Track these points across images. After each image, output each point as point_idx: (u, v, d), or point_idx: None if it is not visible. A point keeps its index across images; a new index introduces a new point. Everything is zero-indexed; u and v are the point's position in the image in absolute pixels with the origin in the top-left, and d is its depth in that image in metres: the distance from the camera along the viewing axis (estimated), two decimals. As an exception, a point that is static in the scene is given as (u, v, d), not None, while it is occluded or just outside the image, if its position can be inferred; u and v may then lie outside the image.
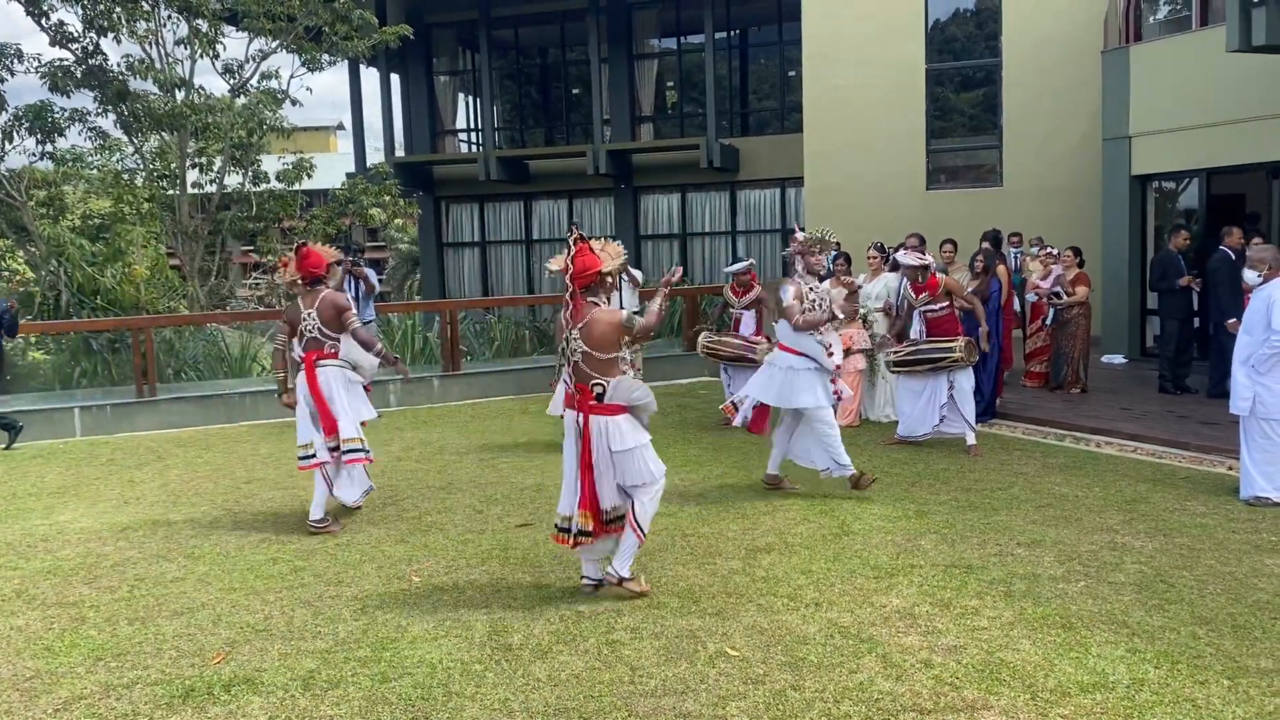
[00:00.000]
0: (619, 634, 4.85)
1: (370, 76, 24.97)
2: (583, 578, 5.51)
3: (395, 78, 24.55)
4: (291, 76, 18.38)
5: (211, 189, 18.04)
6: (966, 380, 8.87)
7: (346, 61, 20.62)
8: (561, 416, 5.64)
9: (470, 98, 25.89)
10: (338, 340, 7.03)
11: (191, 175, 17.79)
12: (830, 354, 7.26)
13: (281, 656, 4.70)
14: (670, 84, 24.79)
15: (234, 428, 11.18)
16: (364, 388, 7.33)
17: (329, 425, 6.93)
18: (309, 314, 6.97)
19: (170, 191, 17.76)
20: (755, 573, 5.70)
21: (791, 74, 22.20)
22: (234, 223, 18.47)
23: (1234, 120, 12.47)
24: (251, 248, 22.74)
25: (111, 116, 17.08)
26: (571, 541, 5.35)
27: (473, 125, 25.97)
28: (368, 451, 7.10)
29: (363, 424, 7.14)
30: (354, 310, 7.13)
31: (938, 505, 7.07)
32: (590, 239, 5.37)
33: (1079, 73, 15.90)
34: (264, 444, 10.20)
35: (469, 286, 24.85)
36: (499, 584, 5.63)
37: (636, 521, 5.33)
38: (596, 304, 5.32)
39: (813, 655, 4.55)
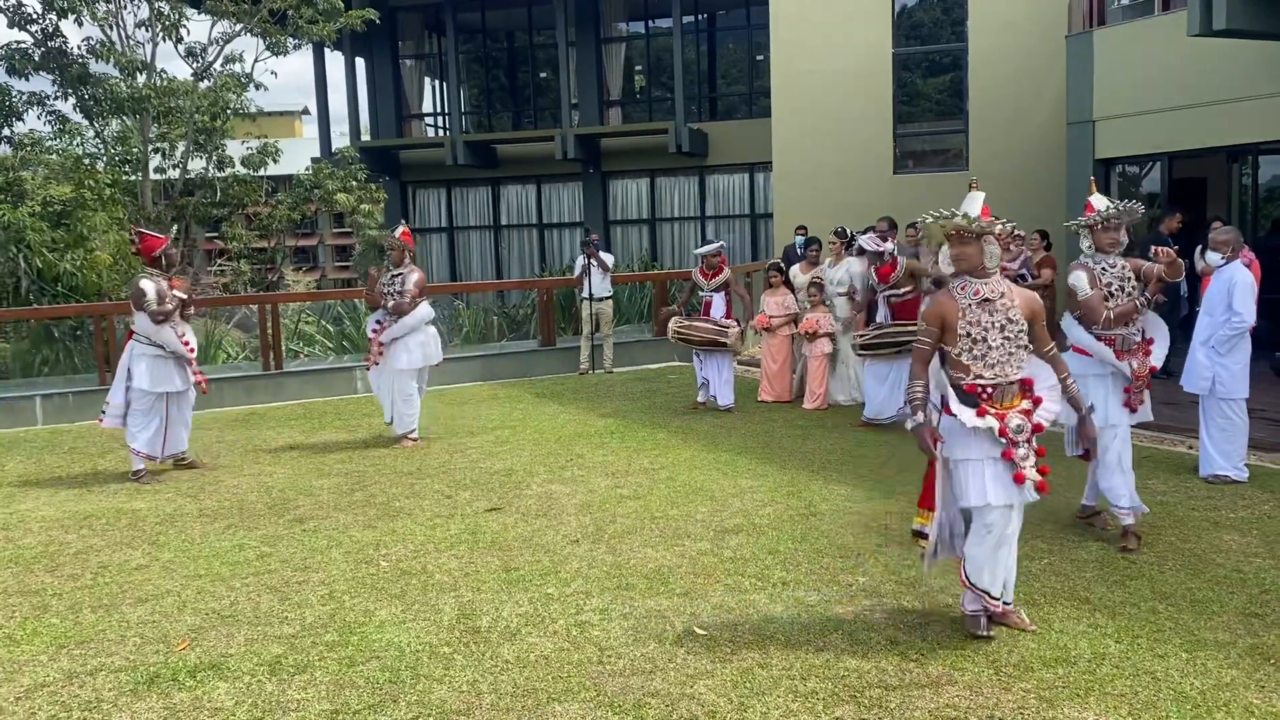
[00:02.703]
0: (588, 615, 4.86)
1: (336, 60, 24.72)
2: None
3: (361, 61, 24.29)
4: (256, 60, 18.04)
5: (175, 174, 17.79)
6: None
7: (311, 45, 20.38)
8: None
9: (436, 82, 25.66)
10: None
11: (154, 160, 17.53)
12: (1148, 352, 5.83)
13: (248, 642, 4.67)
14: (638, 68, 24.70)
15: (197, 415, 10.99)
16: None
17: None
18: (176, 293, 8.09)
19: (132, 177, 17.49)
20: (723, 553, 5.74)
21: (760, 58, 22.19)
22: (198, 208, 18.23)
23: (1195, 104, 12.61)
24: (216, 234, 22.47)
25: (71, 100, 16.77)
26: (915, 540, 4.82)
27: (439, 109, 25.76)
28: (104, 416, 8.12)
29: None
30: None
31: (904, 486, 7.11)
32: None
33: (1044, 57, 15.98)
34: (229, 431, 10.11)
35: (437, 272, 24.68)
36: (468, 568, 5.63)
37: (964, 574, 4.54)
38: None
39: (780, 634, 4.59)
